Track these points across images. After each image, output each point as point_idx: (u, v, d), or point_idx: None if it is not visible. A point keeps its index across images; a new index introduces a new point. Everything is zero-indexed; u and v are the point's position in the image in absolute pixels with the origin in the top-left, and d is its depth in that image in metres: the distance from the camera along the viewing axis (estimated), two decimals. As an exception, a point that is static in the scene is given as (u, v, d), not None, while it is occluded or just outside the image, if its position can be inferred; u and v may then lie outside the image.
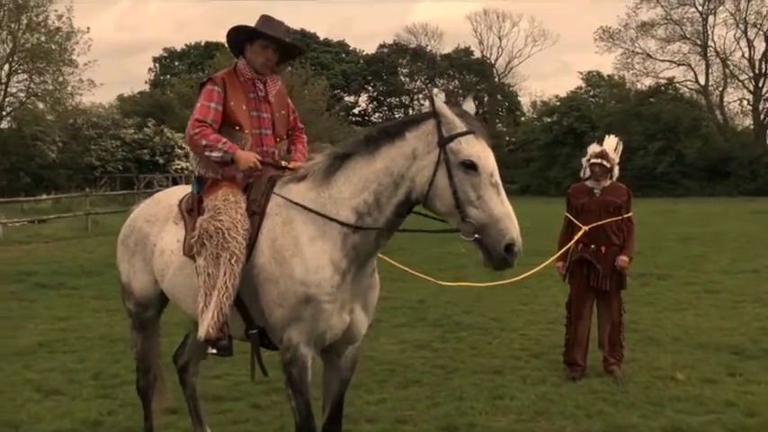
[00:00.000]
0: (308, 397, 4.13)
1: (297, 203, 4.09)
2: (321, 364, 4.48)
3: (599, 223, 6.92)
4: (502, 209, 3.65)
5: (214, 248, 4.13)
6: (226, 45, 4.86)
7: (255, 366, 4.33)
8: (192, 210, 4.53)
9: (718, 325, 9.02)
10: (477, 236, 3.64)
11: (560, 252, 7.14)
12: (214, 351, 4.20)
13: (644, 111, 53.10)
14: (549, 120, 59.52)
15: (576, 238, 6.98)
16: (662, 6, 55.04)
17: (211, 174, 4.50)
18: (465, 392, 6.47)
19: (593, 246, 6.97)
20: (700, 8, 54.78)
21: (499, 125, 69.96)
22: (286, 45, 4.64)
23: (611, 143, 7.23)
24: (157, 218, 4.78)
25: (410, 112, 71.91)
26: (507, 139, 66.46)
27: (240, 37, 4.60)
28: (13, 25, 45.39)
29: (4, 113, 47.53)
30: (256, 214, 4.22)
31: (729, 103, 56.87)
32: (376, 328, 9.14)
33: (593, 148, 7.22)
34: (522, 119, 69.11)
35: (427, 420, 5.84)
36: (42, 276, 13.73)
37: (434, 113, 3.84)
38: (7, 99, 47.39)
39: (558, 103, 59.70)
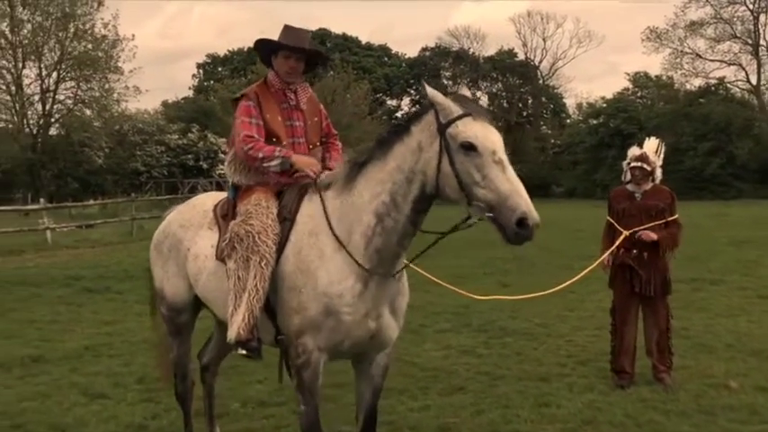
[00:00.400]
0: (318, 402, 4.16)
1: (327, 220, 4.10)
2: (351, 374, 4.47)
3: (641, 228, 6.74)
4: (509, 186, 3.55)
5: (244, 251, 4.18)
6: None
7: (284, 371, 4.39)
8: (226, 215, 4.60)
9: (773, 331, 8.73)
10: (489, 214, 3.57)
11: (602, 258, 6.99)
12: (244, 352, 4.24)
13: (693, 112, 52.25)
14: (594, 122, 58.94)
15: (617, 242, 6.82)
16: (711, 5, 54.29)
17: (245, 181, 4.57)
18: (510, 400, 6.35)
19: (635, 251, 6.82)
20: (750, 6, 53.97)
21: (544, 128, 69.45)
22: (307, 52, 4.68)
23: (651, 145, 7.06)
24: (192, 223, 4.84)
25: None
26: (552, 141, 65.90)
27: (265, 50, 4.68)
28: (60, 34, 46.47)
29: (52, 120, 48.67)
30: (287, 220, 4.26)
31: (782, 103, 55.67)
32: (420, 334, 9.08)
33: (633, 152, 7.06)
34: (568, 121, 68.50)
35: (471, 428, 5.74)
36: (89, 281, 13.92)
37: (431, 103, 3.82)
38: (55, 106, 48.58)
39: (605, 105, 59.06)
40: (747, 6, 53.97)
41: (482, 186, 3.58)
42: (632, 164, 6.95)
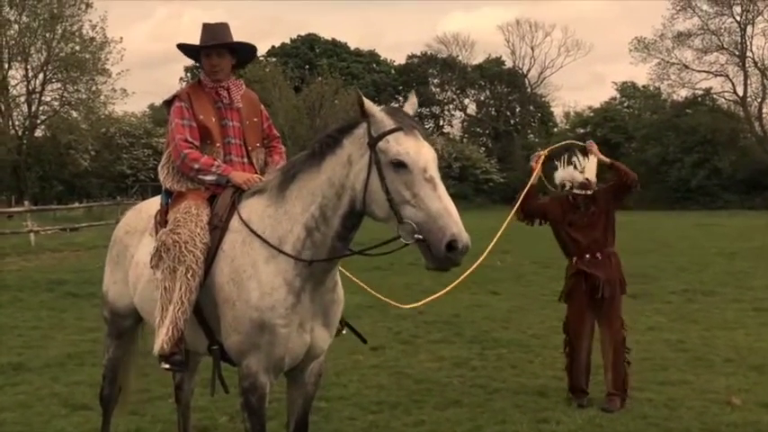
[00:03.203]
0: (265, 423, 4.03)
1: (254, 232, 3.97)
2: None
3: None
4: (439, 205, 3.40)
5: (171, 262, 4.05)
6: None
7: (216, 383, 4.23)
8: (161, 222, 4.45)
9: (771, 345, 8.59)
10: (418, 236, 3.41)
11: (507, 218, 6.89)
12: (167, 366, 4.11)
13: (680, 122, 52.41)
14: (582, 131, 59.07)
15: (535, 175, 7.00)
16: (699, 17, 54.56)
17: (176, 187, 4.44)
18: (508, 415, 6.17)
19: (587, 255, 6.65)
20: (737, 18, 54.17)
21: (531, 136, 69.46)
22: (230, 46, 4.56)
23: (591, 167, 6.87)
24: (136, 229, 4.73)
25: (441, 122, 71.69)
26: (539, 149, 65.97)
27: (191, 54, 4.65)
28: (48, 35, 45.97)
29: (38, 122, 48.14)
30: (218, 228, 4.12)
31: (768, 114, 55.95)
32: (413, 344, 8.91)
33: (575, 177, 6.84)
34: (555, 130, 68.55)
35: (469, 445, 5.56)
36: (73, 285, 13.60)
37: (364, 114, 3.67)
38: (42, 108, 48.00)
39: (592, 114, 59.14)
40: (734, 18, 54.27)
41: (412, 205, 3.44)
42: (575, 190, 6.79)
